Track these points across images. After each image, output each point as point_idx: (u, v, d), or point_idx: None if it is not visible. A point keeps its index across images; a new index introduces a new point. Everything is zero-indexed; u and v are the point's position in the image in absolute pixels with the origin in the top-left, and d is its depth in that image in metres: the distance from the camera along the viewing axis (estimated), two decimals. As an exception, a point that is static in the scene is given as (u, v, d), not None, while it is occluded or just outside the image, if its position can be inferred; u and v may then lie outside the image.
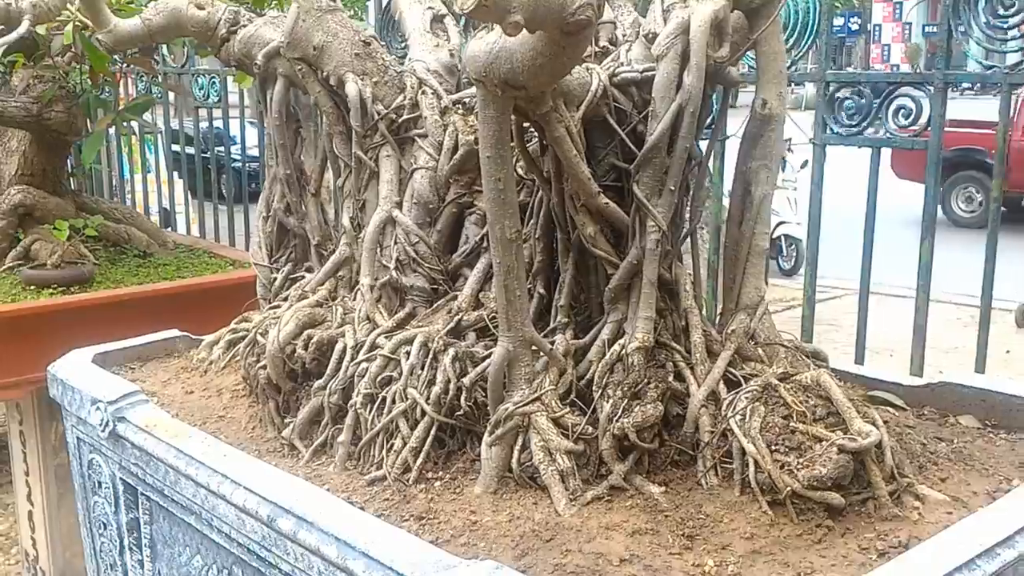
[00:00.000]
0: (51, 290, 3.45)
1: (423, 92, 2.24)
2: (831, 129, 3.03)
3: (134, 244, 4.00)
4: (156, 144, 6.43)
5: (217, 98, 5.06)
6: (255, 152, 5.78)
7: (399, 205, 2.21)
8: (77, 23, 2.79)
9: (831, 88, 3.01)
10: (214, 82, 5.04)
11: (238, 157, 5.24)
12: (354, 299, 2.23)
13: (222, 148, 5.21)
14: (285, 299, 2.50)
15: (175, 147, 5.68)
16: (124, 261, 3.89)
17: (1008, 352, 7.49)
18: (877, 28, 39.97)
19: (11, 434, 3.84)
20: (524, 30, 1.48)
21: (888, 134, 2.96)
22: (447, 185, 2.19)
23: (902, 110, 2.93)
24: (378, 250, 2.20)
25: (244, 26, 2.54)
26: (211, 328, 3.43)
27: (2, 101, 3.39)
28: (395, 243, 2.19)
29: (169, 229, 6.14)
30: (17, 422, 3.78)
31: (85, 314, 3.37)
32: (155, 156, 6.56)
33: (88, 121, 3.66)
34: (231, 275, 3.77)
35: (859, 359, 2.98)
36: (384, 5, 4.02)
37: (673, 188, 1.81)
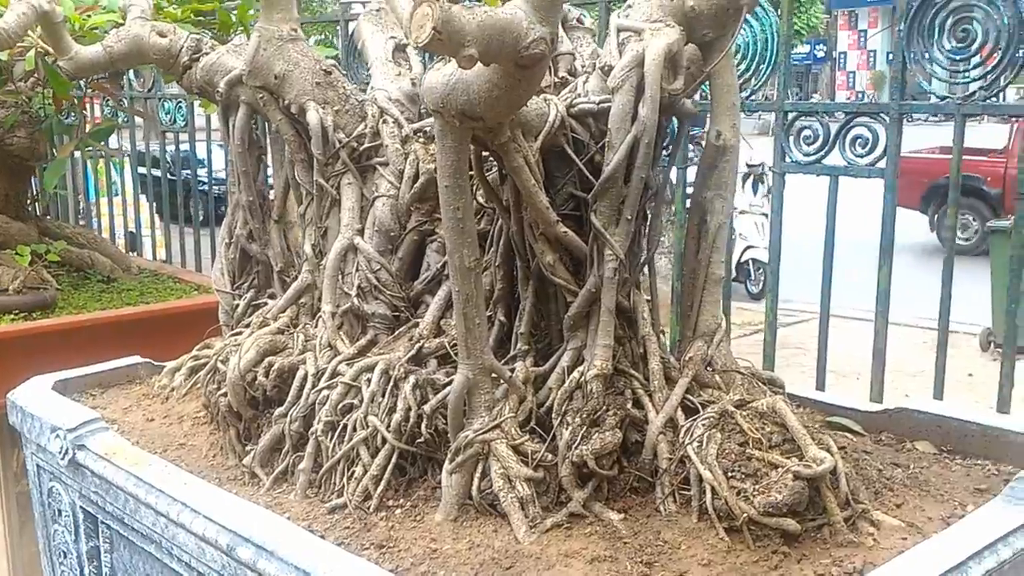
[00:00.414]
0: (12, 316, 3.42)
1: (384, 121, 2.26)
2: (790, 158, 3.08)
3: (98, 269, 3.97)
4: (122, 167, 6.41)
5: (184, 123, 5.06)
6: (223, 175, 5.79)
7: (361, 232, 2.22)
8: (39, 49, 2.78)
9: (790, 117, 3.06)
10: (180, 106, 5.03)
11: (205, 179, 5.24)
12: (316, 326, 2.23)
13: (189, 171, 5.20)
14: (247, 326, 2.50)
15: (142, 170, 5.66)
16: (87, 287, 3.87)
17: (971, 375, 7.59)
18: (843, 55, 40.55)
19: (-29, 461, 3.80)
20: (479, 63, 1.51)
21: (847, 163, 3.01)
22: (408, 213, 2.21)
23: (859, 139, 2.98)
24: (340, 277, 2.21)
25: (206, 54, 2.55)
26: (174, 354, 3.41)
27: (-37, 127, 3.38)
28: (357, 270, 2.20)
29: (135, 253, 6.12)
30: (-24, 449, 3.73)
31: (46, 340, 3.34)
32: (121, 178, 6.53)
33: (51, 146, 3.64)
34: (195, 300, 3.75)
35: (820, 385, 3.02)
36: (350, 32, 4.05)
37: (630, 217, 1.84)
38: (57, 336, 3.35)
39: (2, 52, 2.69)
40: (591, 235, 1.86)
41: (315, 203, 2.30)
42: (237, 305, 2.62)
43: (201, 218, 6.13)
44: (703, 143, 1.96)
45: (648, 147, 1.80)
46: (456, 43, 1.42)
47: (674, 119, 2.05)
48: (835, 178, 3.07)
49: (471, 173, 1.82)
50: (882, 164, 2.92)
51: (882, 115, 2.92)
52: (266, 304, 2.54)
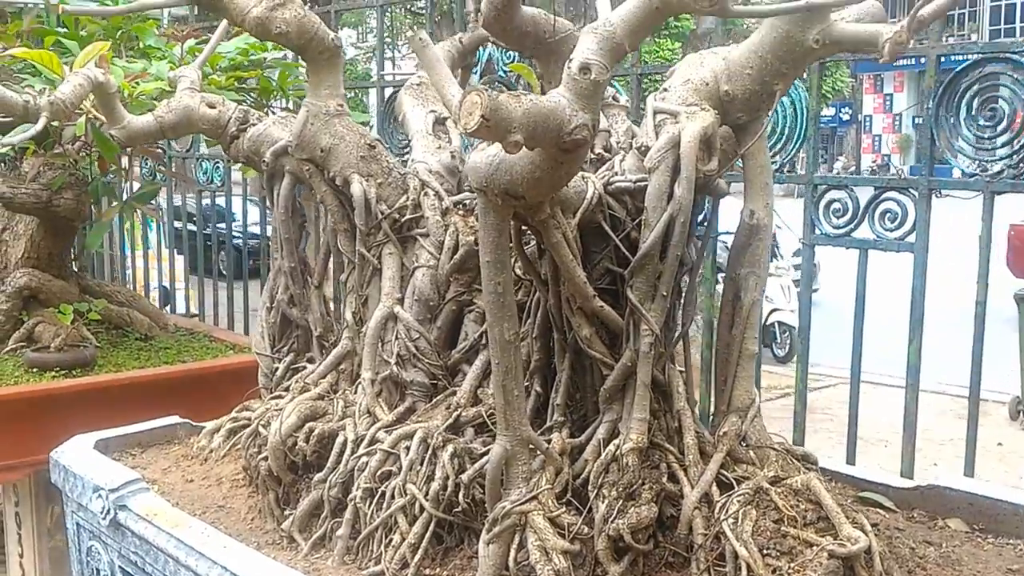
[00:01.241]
0: (54, 373, 3.49)
1: (425, 193, 2.32)
2: (820, 230, 3.12)
3: (135, 327, 4.05)
4: (155, 221, 6.53)
5: (220, 182, 5.19)
6: (256, 229, 5.91)
7: (401, 301, 2.28)
8: (89, 115, 2.89)
9: (819, 190, 3.10)
10: (218, 166, 5.17)
11: (238, 234, 5.34)
12: (355, 392, 2.28)
13: (222, 225, 5.31)
14: (287, 389, 2.55)
15: (176, 223, 5.79)
16: (125, 344, 3.94)
17: (1000, 445, 7.51)
18: (868, 119, 40.68)
19: (6, 515, 3.85)
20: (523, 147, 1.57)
21: (876, 236, 3.05)
22: (447, 283, 2.27)
23: (888, 213, 3.02)
24: (380, 345, 2.26)
25: (253, 125, 2.64)
26: (211, 414, 3.47)
27: (12, 188, 3.48)
28: (396, 338, 2.25)
29: (168, 308, 6.21)
30: (13, 503, 3.79)
31: (86, 398, 3.40)
32: (155, 233, 6.65)
33: (95, 207, 3.75)
34: (230, 360, 3.82)
35: (850, 458, 3.02)
36: (386, 99, 4.15)
37: (665, 293, 1.88)
38: (97, 394, 3.42)
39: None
40: (627, 310, 1.91)
41: (356, 272, 2.36)
42: (276, 368, 2.67)
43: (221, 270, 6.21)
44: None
45: (684, 225, 1.86)
46: (503, 130, 1.48)
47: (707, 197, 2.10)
48: (864, 251, 3.10)
49: (511, 248, 1.87)
50: (912, 239, 2.96)
51: (911, 190, 2.96)
52: (305, 368, 2.60)
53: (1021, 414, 8.04)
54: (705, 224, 2.31)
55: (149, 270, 6.29)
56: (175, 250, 7.38)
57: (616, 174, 1.97)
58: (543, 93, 2.17)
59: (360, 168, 2.32)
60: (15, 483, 3.62)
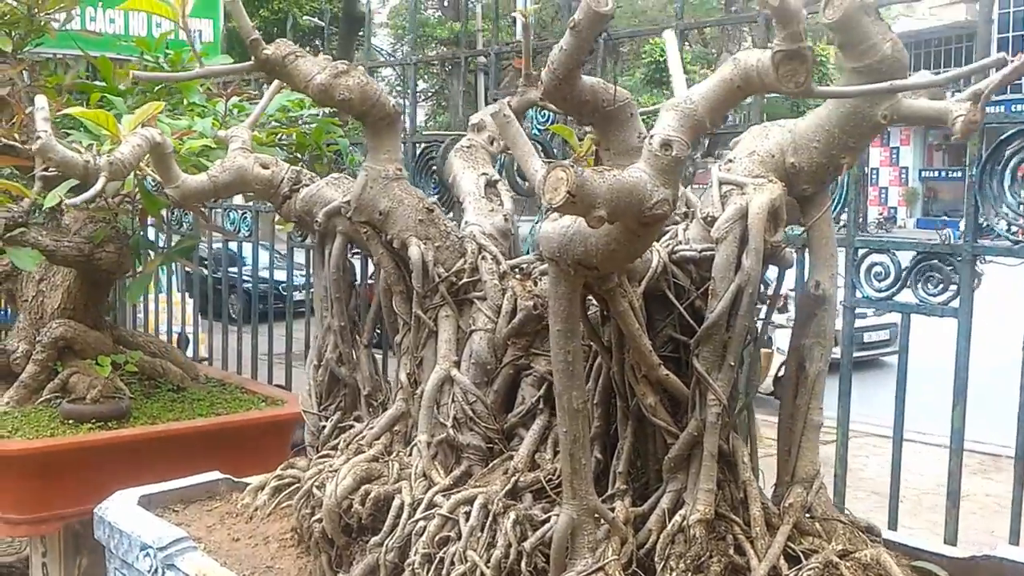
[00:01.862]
0: (89, 425, 3.49)
1: (483, 257, 2.34)
2: (861, 293, 3.12)
3: (168, 378, 4.05)
4: (170, 266, 6.56)
5: (248, 231, 5.24)
6: (265, 274, 5.97)
7: (457, 364, 2.29)
8: (139, 174, 2.92)
9: (859, 253, 3.12)
10: (245, 217, 5.22)
11: (248, 278, 5.39)
12: (410, 455, 2.28)
13: (234, 268, 5.34)
14: (335, 448, 2.55)
15: (188, 268, 5.82)
16: (158, 395, 3.94)
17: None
18: (875, 171, 40.89)
19: (32, 566, 3.83)
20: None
21: (919, 300, 3.05)
22: (504, 347, 2.27)
23: (931, 278, 3.03)
24: (436, 407, 2.26)
25: (306, 185, 2.67)
26: (249, 468, 3.46)
27: (55, 241, 3.50)
28: (453, 401, 2.25)
29: (189, 354, 6.22)
30: (40, 554, 3.77)
31: (122, 450, 3.40)
32: (168, 278, 6.67)
33: (136, 260, 3.77)
34: (264, 413, 3.81)
35: (892, 524, 3.00)
36: (418, 154, 4.20)
37: (733, 363, 1.89)
38: (132, 447, 3.42)
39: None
40: (693, 379, 1.91)
41: (412, 333, 2.37)
42: (323, 426, 2.67)
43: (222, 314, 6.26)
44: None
45: (751, 296, 1.87)
46: (588, 205, 1.50)
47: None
48: (907, 315, 3.11)
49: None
50: (955, 303, 2.96)
51: (954, 256, 2.97)
52: (352, 426, 2.60)
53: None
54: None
55: (160, 313, 6.31)
56: (187, 293, 7.41)
57: (680, 243, 1.98)
58: (598, 158, 2.20)
59: (418, 231, 2.34)
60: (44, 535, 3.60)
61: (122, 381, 3.84)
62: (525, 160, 1.66)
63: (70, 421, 3.52)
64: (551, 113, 3.79)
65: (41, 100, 2.42)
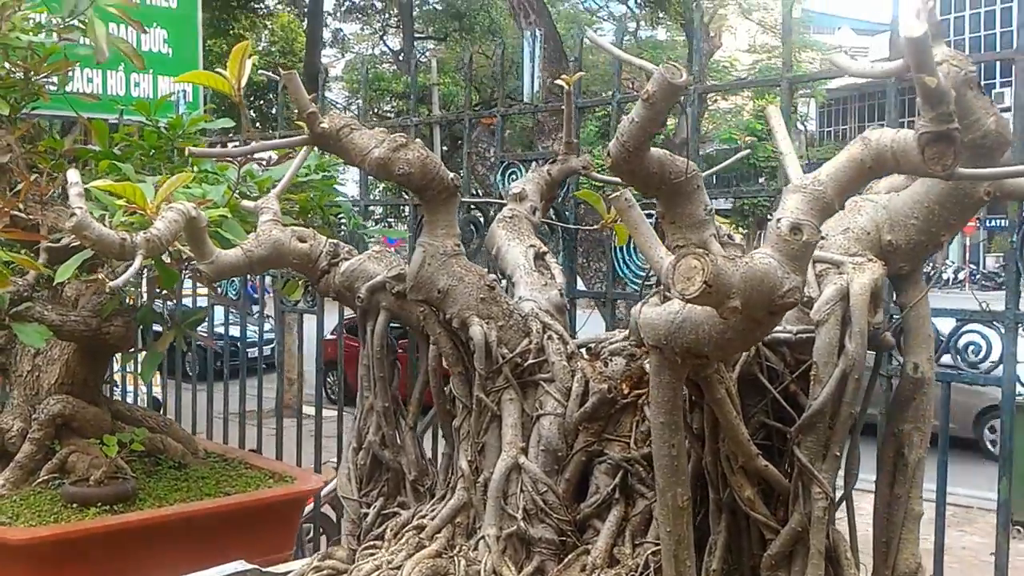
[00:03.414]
0: (95, 508, 3.30)
1: (549, 336, 2.23)
2: (897, 360, 3.06)
3: (170, 455, 3.87)
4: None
5: (235, 295, 5.12)
6: (220, 330, 5.84)
7: (524, 451, 2.17)
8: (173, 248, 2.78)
9: (895, 319, 3.06)
10: (232, 281, 5.10)
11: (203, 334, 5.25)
12: (475, 549, 2.15)
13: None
14: (379, 537, 2.41)
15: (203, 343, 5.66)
16: (160, 473, 3.75)
17: (993, 555, 7.41)
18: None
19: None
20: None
21: (959, 368, 3.00)
22: (575, 432, 2.16)
23: (972, 346, 2.98)
24: (503, 498, 2.14)
25: (345, 259, 2.55)
26: (264, 551, 3.30)
27: (62, 316, 3.34)
28: (521, 491, 2.13)
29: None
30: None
31: (132, 535, 3.21)
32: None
33: (142, 334, 3.61)
34: (276, 492, 3.64)
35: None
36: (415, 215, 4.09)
37: (838, 453, 1.80)
38: (145, 531, 3.23)
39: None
40: (795, 471, 1.81)
41: (472, 418, 2.25)
42: (365, 514, 2.53)
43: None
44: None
45: (857, 382, 1.78)
46: (723, 295, 1.41)
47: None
48: (947, 384, 3.05)
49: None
50: (998, 372, 2.91)
51: (996, 323, 2.92)
52: (398, 514, 2.46)
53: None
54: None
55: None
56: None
57: (773, 325, 1.89)
58: (660, 231, 2.11)
59: (480, 310, 2.23)
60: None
61: (123, 459, 3.65)
62: (648, 247, 1.56)
63: (74, 505, 3.32)
64: (520, 171, 3.70)
65: (74, 174, 2.28)
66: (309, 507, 4.74)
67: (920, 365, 1.90)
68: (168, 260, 3.04)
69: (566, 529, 2.11)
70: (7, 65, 3.72)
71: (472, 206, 3.80)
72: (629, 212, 1.58)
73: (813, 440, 1.80)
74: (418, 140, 2.20)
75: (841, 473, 1.89)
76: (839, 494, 1.93)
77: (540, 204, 2.77)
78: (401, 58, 28.87)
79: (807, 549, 1.79)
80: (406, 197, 4.45)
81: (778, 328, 1.89)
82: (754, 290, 1.44)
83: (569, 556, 2.08)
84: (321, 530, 5.32)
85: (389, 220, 6.34)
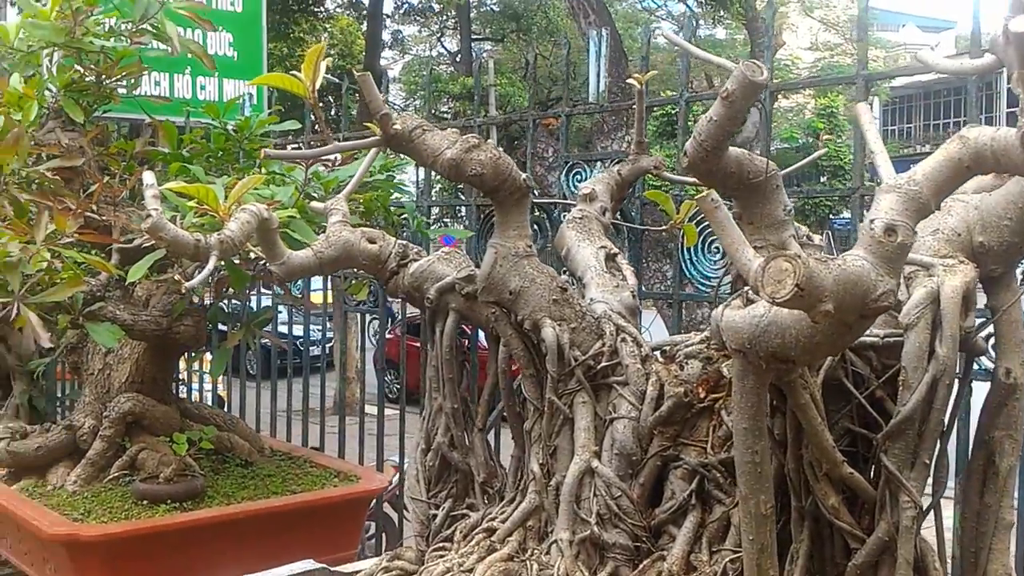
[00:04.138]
0: (165, 506, 3.33)
1: (623, 339, 2.20)
2: (978, 362, 2.97)
3: (236, 453, 3.90)
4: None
5: (299, 292, 5.17)
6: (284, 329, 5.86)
7: (598, 455, 2.13)
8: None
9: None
10: (297, 281, 5.13)
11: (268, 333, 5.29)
12: (547, 553, 2.12)
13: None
14: (447, 539, 2.40)
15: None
16: (227, 471, 3.78)
17: None
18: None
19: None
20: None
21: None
22: (650, 436, 2.12)
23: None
24: (576, 502, 2.11)
25: (414, 260, 2.54)
26: (323, 547, 3.30)
27: (133, 316, 3.38)
28: (595, 495, 2.10)
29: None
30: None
31: (201, 532, 3.24)
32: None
33: (212, 332, 3.64)
34: (341, 491, 3.66)
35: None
36: (483, 217, 4.08)
37: (927, 461, 1.74)
38: (213, 528, 3.26)
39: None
40: (883, 479, 1.76)
41: (544, 420, 2.22)
42: (434, 515, 2.51)
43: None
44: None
45: (947, 387, 1.72)
46: (815, 298, 1.36)
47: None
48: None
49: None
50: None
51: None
52: (466, 515, 2.44)
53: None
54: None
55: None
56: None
57: (857, 328, 1.84)
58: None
59: (552, 312, 2.20)
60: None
61: (191, 456, 3.69)
62: (735, 249, 1.52)
63: (144, 502, 3.37)
64: (585, 172, 3.66)
65: (149, 176, 2.30)
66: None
67: (1013, 370, 1.83)
68: (238, 261, 3.07)
69: (641, 535, 2.07)
70: (80, 69, 3.79)
71: (536, 207, 3.78)
72: (716, 213, 1.54)
73: (901, 447, 1.74)
74: (490, 140, 2.18)
75: (929, 481, 1.83)
76: (926, 502, 1.86)
77: (610, 204, 2.73)
78: (458, 59, 28.99)
79: (894, 559, 1.74)
80: (463, 197, 4.44)
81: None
82: (847, 293, 1.39)
83: (644, 562, 2.04)
84: (382, 529, 5.34)
85: (445, 220, 6.33)
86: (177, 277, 2.68)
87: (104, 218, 3.42)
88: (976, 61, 1.75)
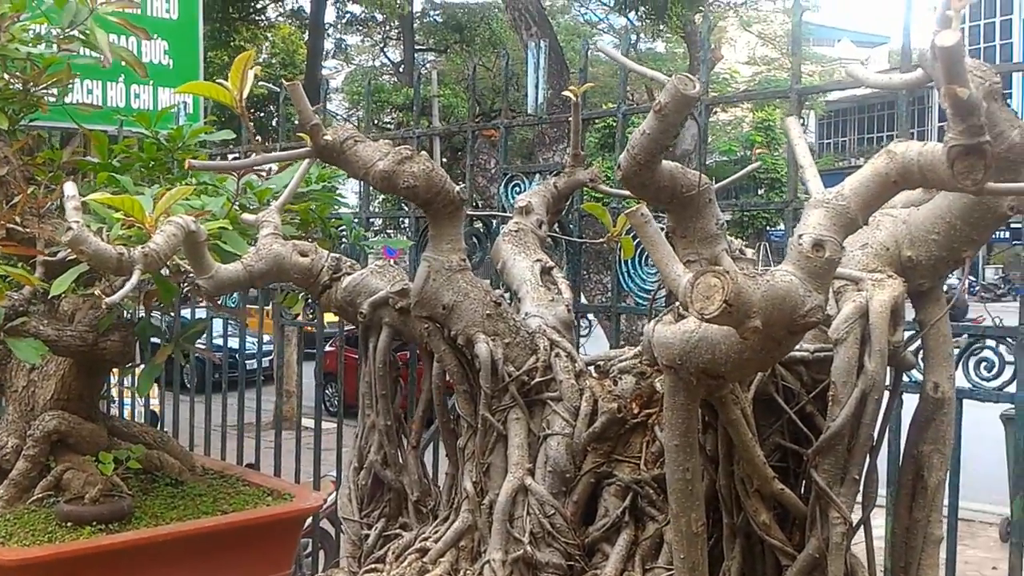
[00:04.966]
0: (90, 528, 3.23)
1: (556, 354, 2.18)
2: (910, 377, 3.00)
3: (166, 471, 3.79)
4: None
5: (235, 304, 5.08)
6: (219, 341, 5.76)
7: (531, 472, 2.11)
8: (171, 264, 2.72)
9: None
10: (232, 295, 5.05)
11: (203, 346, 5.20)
12: (480, 573, 2.09)
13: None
14: (380, 560, 2.35)
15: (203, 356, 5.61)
16: (156, 490, 3.68)
17: (995, 569, 7.41)
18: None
19: None
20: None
21: (972, 385, 2.94)
22: (584, 453, 2.10)
23: (985, 362, 2.92)
24: (509, 521, 2.08)
25: (347, 273, 2.50)
26: (256, 569, 3.22)
27: (58, 331, 3.27)
28: (528, 514, 2.07)
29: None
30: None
31: (129, 556, 3.14)
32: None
33: (142, 348, 3.55)
34: (274, 510, 3.56)
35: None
36: (420, 229, 4.04)
37: (857, 476, 1.74)
38: (140, 551, 3.16)
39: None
40: (813, 494, 1.76)
41: (478, 438, 2.19)
42: (366, 535, 2.47)
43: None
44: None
45: (876, 402, 1.73)
46: (744, 314, 1.35)
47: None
48: (960, 400, 2.99)
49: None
50: (1011, 389, 2.84)
51: (1009, 339, 2.86)
52: (399, 535, 2.40)
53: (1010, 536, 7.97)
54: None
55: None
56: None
57: (789, 343, 1.84)
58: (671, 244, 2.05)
59: (486, 327, 2.17)
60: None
61: (119, 476, 3.58)
62: (665, 264, 1.50)
63: (68, 524, 3.25)
64: (524, 184, 3.64)
65: (71, 187, 2.24)
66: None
67: (940, 384, 1.84)
68: (166, 273, 3.00)
69: (574, 553, 2.04)
70: (6, 76, 3.67)
71: (474, 218, 3.75)
72: (646, 228, 1.53)
73: (831, 463, 1.74)
74: (423, 152, 2.15)
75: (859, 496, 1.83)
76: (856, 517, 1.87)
77: (546, 217, 2.71)
78: (401, 70, 28.91)
79: (825, 575, 1.73)
80: (406, 208, 4.39)
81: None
82: (775, 309, 1.39)
83: (577, 581, 2.01)
84: (320, 545, 5.25)
85: (388, 231, 6.28)
86: (98, 293, 2.59)
87: (28, 230, 3.32)
88: (906, 76, 1.76)
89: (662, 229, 2.11)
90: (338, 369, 7.68)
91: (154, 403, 6.33)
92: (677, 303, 1.69)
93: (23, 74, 3.67)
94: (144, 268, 2.25)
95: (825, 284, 1.44)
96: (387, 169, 2.08)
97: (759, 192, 24.09)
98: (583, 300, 4.73)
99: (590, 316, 4.19)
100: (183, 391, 5.18)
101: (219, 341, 6.16)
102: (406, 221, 4.48)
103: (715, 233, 2.06)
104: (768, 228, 24.64)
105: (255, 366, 7.06)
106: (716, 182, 2.82)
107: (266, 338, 8.75)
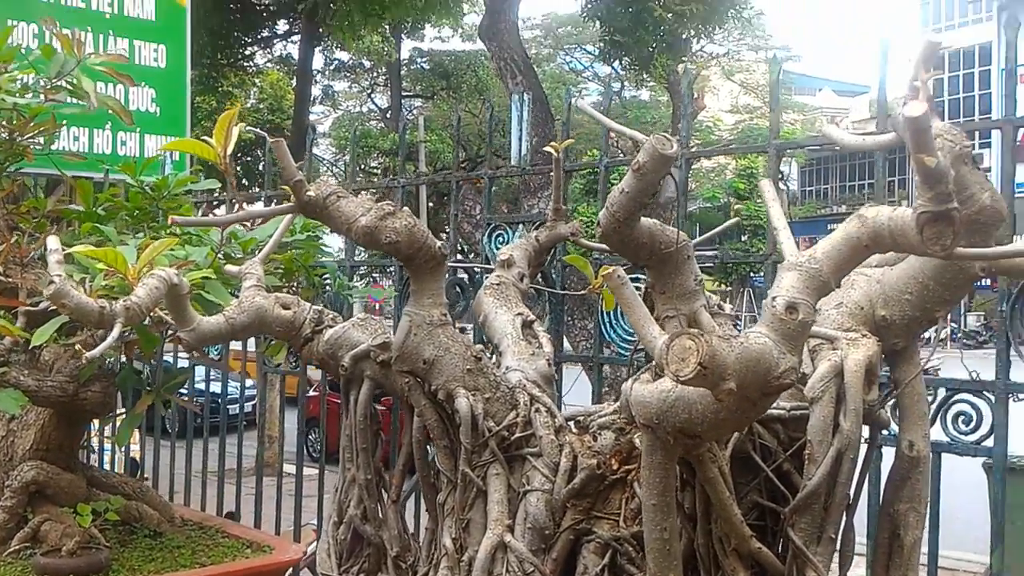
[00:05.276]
0: (67, 581, 3.20)
1: (536, 409, 2.19)
2: (888, 431, 3.02)
3: (145, 523, 3.77)
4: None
5: (218, 354, 5.07)
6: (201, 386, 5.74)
7: (510, 528, 2.11)
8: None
9: (882, 390, 3.02)
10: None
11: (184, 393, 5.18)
12: (460, 631, 2.08)
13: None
14: (359, 617, 2.34)
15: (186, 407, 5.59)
16: (135, 543, 3.65)
17: None
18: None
19: None
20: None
21: (950, 439, 2.95)
22: (563, 509, 2.10)
23: (962, 416, 2.94)
24: (489, 578, 2.07)
25: (329, 326, 2.51)
26: (238, 626, 3.18)
27: (38, 381, 3.26)
28: (507, 571, 2.07)
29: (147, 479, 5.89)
30: None
31: (105, 610, 3.11)
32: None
33: (121, 397, 3.53)
34: (253, 563, 3.54)
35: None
36: (404, 279, 4.05)
37: (834, 535, 1.75)
38: (116, 605, 3.13)
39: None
40: (790, 553, 1.76)
41: (457, 493, 2.19)
42: (346, 591, 2.45)
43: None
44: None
45: (852, 461, 1.75)
46: (718, 377, 1.37)
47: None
48: (937, 454, 3.00)
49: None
50: (989, 443, 2.86)
51: (986, 392, 2.88)
52: (379, 592, 2.39)
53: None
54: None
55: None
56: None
57: (765, 401, 1.86)
58: (648, 301, 2.08)
59: (466, 382, 2.18)
60: None
61: (97, 527, 3.55)
62: (641, 326, 1.52)
63: (45, 576, 3.22)
64: (508, 234, 3.67)
65: (53, 241, 2.25)
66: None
67: (915, 443, 1.86)
68: (148, 323, 3.00)
69: (554, 611, 2.04)
70: (-10, 126, 3.69)
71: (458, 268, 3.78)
72: (622, 290, 1.55)
73: (808, 521, 1.75)
74: (405, 208, 2.17)
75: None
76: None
77: (528, 271, 2.73)
78: (388, 115, 29.10)
79: (803, 635, 1.73)
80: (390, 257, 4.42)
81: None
82: (749, 371, 1.41)
83: (557, 639, 2.01)
84: (300, 597, 5.19)
85: (374, 276, 6.28)
86: (79, 347, 2.59)
87: (10, 279, 3.32)
88: (880, 137, 1.80)
89: (642, 285, 2.14)
90: (320, 414, 7.64)
91: (135, 449, 6.29)
92: (653, 362, 1.71)
93: (9, 124, 3.69)
94: (126, 322, 2.25)
95: (798, 346, 1.46)
96: (369, 225, 2.10)
97: (742, 238, 24.27)
98: (567, 346, 4.75)
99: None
100: (164, 436, 5.16)
101: (201, 386, 6.15)
102: (392, 268, 4.51)
103: (693, 289, 2.09)
104: (752, 274, 24.78)
105: (237, 411, 7.04)
106: (699, 229, 2.85)
107: (249, 382, 8.75)
